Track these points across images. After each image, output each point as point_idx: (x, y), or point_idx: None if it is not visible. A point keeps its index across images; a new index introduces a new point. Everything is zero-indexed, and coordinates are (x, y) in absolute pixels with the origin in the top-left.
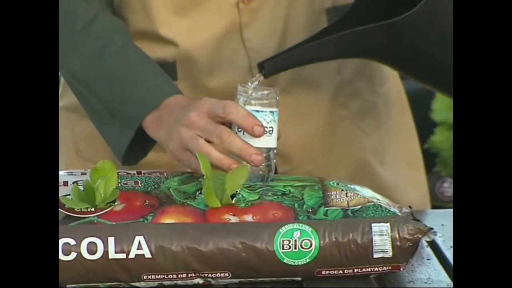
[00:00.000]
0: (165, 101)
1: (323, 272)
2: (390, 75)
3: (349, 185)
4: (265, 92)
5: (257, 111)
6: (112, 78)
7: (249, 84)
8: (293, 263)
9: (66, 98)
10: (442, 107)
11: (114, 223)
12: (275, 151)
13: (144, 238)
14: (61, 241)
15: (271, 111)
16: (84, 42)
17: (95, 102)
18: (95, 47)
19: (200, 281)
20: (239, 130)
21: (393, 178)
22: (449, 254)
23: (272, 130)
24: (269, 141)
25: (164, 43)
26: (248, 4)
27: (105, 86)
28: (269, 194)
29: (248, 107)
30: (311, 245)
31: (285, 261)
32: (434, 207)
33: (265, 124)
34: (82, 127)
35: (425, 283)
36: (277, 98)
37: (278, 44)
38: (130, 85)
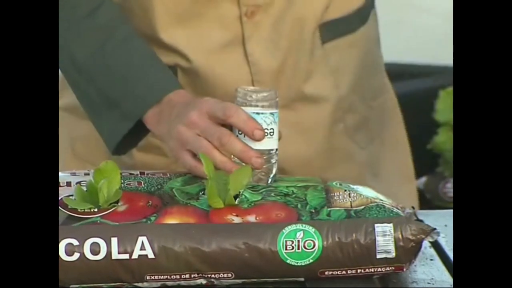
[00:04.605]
0: (166, 97)
1: (326, 273)
2: (384, 89)
3: (352, 186)
4: (265, 94)
5: (257, 113)
6: (114, 70)
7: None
8: (296, 264)
9: (64, 99)
10: (445, 107)
11: (117, 223)
12: (276, 152)
13: (147, 239)
14: (64, 242)
15: (271, 113)
16: (88, 31)
17: (92, 91)
18: (98, 37)
19: (203, 281)
20: (240, 132)
21: (386, 191)
22: (452, 255)
23: (273, 132)
24: (270, 143)
25: (165, 49)
26: (251, 17)
27: (106, 77)
28: (272, 194)
29: (248, 109)
30: (314, 245)
31: (288, 261)
32: (437, 207)
33: (265, 126)
34: (79, 128)
35: (428, 283)
36: (277, 99)
37: (281, 60)
38: (132, 79)
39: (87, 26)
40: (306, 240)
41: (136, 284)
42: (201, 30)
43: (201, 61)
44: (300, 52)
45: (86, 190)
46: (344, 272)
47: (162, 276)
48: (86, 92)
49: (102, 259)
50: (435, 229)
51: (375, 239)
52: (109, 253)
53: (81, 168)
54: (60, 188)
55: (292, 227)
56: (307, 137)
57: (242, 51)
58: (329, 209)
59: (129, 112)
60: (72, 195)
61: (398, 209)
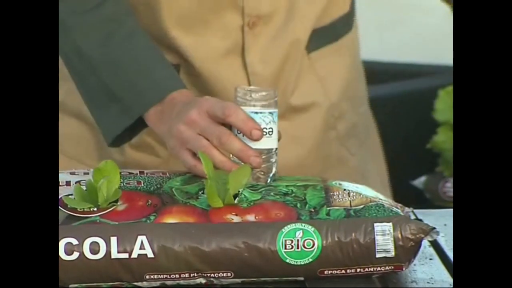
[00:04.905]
0: (169, 96)
1: (325, 272)
2: (365, 97)
3: (351, 185)
4: (264, 93)
5: (256, 112)
6: (118, 63)
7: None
8: (295, 263)
9: None
10: (445, 107)
11: (117, 223)
12: (276, 151)
13: (147, 238)
14: (64, 241)
15: (270, 112)
16: (94, 22)
17: (94, 82)
18: (105, 29)
19: (203, 281)
20: (239, 131)
21: None
22: (451, 254)
23: (272, 131)
24: (269, 142)
25: (168, 50)
26: (253, 28)
27: (110, 70)
28: (272, 194)
29: (247, 109)
30: (313, 244)
31: (287, 261)
32: (436, 207)
33: (264, 126)
34: (67, 125)
35: (428, 283)
36: (276, 99)
37: (278, 70)
38: (136, 74)
39: (94, 17)
40: (306, 239)
41: (135, 283)
42: (204, 37)
43: (202, 66)
44: (294, 63)
45: (85, 190)
46: (343, 271)
47: (162, 276)
48: (87, 81)
49: (102, 258)
50: (434, 228)
51: (374, 239)
52: (108, 252)
53: (67, 167)
54: (59, 187)
55: (292, 226)
56: (301, 145)
57: (241, 60)
58: (328, 208)
59: (130, 108)
60: (71, 194)
61: (398, 208)
